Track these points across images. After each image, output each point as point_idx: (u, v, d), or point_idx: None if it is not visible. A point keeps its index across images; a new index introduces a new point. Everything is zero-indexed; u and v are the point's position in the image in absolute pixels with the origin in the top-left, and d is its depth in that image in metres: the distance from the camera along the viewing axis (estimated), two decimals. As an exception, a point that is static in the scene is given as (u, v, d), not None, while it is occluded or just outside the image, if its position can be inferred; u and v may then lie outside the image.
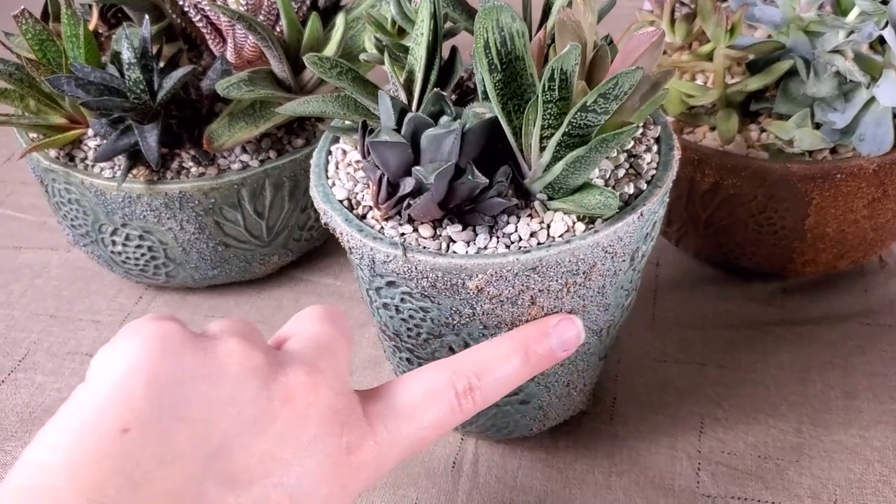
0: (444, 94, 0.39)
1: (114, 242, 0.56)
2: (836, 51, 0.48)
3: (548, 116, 0.37)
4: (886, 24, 0.47)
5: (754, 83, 0.51)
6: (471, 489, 0.48)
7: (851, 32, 0.48)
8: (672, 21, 0.54)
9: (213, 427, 0.30)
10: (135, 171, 0.53)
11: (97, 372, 0.31)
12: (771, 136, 0.51)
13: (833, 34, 0.48)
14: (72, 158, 0.55)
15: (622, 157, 0.42)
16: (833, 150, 0.51)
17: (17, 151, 0.73)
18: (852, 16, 0.48)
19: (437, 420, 0.35)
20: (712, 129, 0.53)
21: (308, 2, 0.55)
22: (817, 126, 0.50)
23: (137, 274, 0.59)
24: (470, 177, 0.37)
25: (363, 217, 0.41)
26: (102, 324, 0.60)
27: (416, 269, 0.38)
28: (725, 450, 0.49)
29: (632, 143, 0.43)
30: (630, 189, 0.40)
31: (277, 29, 0.54)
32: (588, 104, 0.35)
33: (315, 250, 0.63)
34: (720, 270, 0.60)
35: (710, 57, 0.52)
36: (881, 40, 0.49)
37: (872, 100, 0.49)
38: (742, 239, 0.54)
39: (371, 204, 0.41)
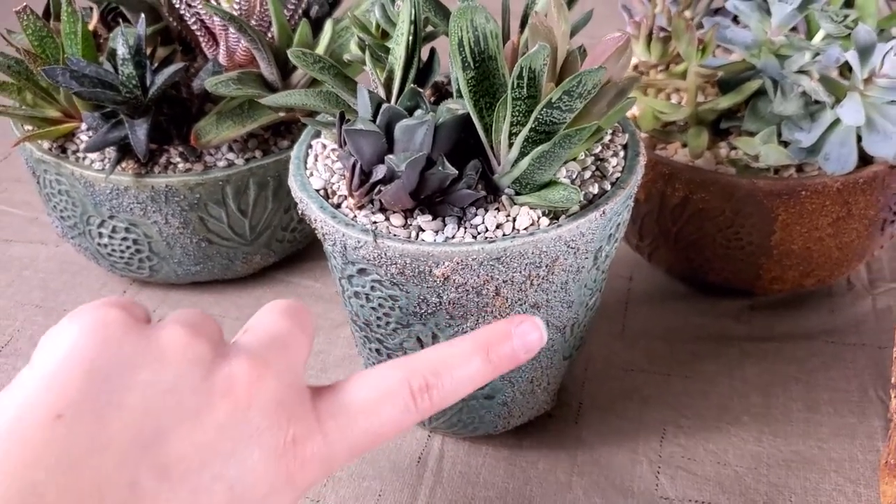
0: (421, 90, 0.40)
1: (100, 234, 0.58)
2: (802, 71, 0.50)
3: (516, 113, 0.38)
4: (852, 48, 0.49)
5: (725, 102, 0.53)
6: (434, 484, 0.49)
7: (817, 54, 0.50)
8: (648, 41, 0.56)
9: (149, 416, 0.30)
10: (123, 164, 0.55)
11: (39, 356, 0.31)
12: (739, 152, 0.53)
13: (800, 55, 0.50)
14: (64, 150, 0.57)
15: (589, 160, 0.43)
16: (799, 169, 0.53)
17: (13, 148, 0.75)
18: (818, 38, 0.50)
19: (391, 418, 0.34)
20: (684, 145, 0.55)
21: (300, 10, 0.58)
22: (785, 145, 0.52)
23: (122, 267, 0.60)
24: (440, 168, 0.39)
25: (338, 206, 0.42)
26: (85, 315, 0.61)
27: (385, 255, 0.40)
28: (686, 455, 0.50)
29: (599, 147, 0.44)
30: (595, 189, 0.42)
31: (269, 34, 0.56)
32: (553, 101, 0.37)
33: (298, 253, 0.65)
34: (691, 287, 0.61)
35: (683, 76, 0.55)
36: (848, 67, 0.51)
37: (837, 121, 0.50)
38: (710, 254, 0.56)
39: (346, 193, 0.42)
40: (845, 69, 0.53)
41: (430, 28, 0.45)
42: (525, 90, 0.38)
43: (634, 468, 0.49)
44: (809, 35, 0.54)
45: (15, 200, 0.72)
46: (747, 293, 0.60)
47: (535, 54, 0.37)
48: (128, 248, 0.58)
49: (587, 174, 0.43)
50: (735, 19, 0.59)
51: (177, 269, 0.60)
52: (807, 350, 0.56)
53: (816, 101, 0.51)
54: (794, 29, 0.54)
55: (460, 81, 0.39)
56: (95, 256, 0.60)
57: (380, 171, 0.39)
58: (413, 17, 0.41)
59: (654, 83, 0.55)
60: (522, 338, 0.37)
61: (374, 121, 0.39)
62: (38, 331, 0.59)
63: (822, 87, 0.50)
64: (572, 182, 0.42)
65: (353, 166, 0.39)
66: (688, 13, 0.56)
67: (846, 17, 0.48)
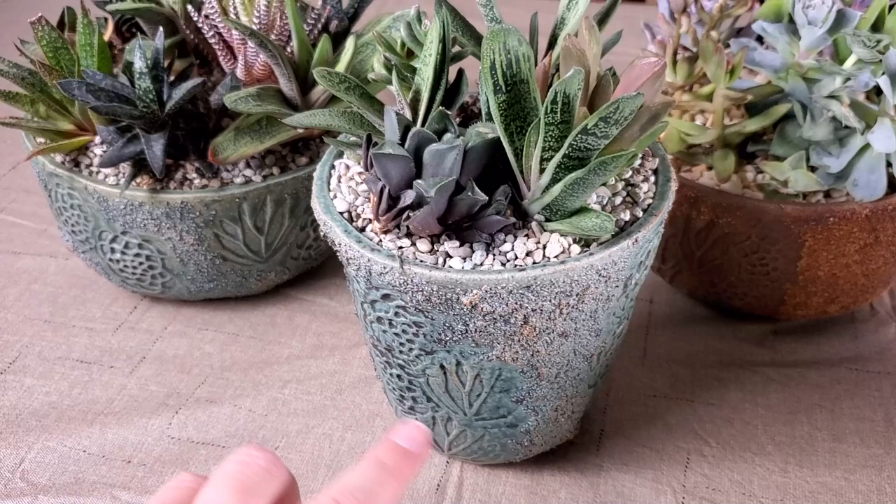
0: (449, 112, 0.39)
1: (112, 250, 0.57)
2: (832, 96, 0.49)
3: (549, 139, 0.37)
4: (883, 73, 0.49)
5: (752, 125, 0.52)
6: (454, 512, 0.48)
7: (848, 79, 0.49)
8: (674, 62, 0.55)
9: None
10: (138, 179, 0.54)
11: None
12: (766, 176, 0.52)
13: (830, 80, 0.49)
14: (77, 164, 0.56)
15: (620, 185, 0.42)
16: (827, 195, 0.52)
17: (24, 158, 0.74)
18: (849, 63, 0.49)
19: None
20: (709, 168, 0.54)
21: (320, 26, 0.57)
22: (812, 169, 0.51)
23: (134, 283, 0.59)
24: (470, 193, 0.38)
25: (362, 230, 0.41)
26: (95, 331, 0.60)
27: (411, 281, 0.39)
28: (710, 485, 0.48)
29: (630, 173, 0.44)
30: (626, 216, 0.41)
31: (288, 49, 0.55)
32: (588, 127, 0.36)
33: (311, 270, 0.64)
34: (712, 310, 0.60)
35: (709, 98, 0.54)
36: (878, 90, 0.50)
37: (867, 146, 0.50)
38: (735, 279, 0.55)
39: (371, 217, 0.41)
40: (872, 93, 0.52)
41: (456, 48, 0.45)
42: (559, 115, 0.37)
43: (658, 498, 0.48)
44: (837, 59, 0.53)
45: (24, 212, 0.71)
46: (769, 318, 0.59)
47: (570, 79, 0.36)
48: (140, 264, 0.57)
49: (618, 200, 0.42)
50: (759, 39, 0.58)
51: (189, 285, 0.58)
52: (830, 377, 0.55)
53: (846, 127, 0.50)
54: (820, 54, 0.53)
55: (491, 105, 0.38)
56: (107, 272, 0.59)
57: (408, 197, 0.38)
58: (442, 37, 0.40)
59: (680, 105, 0.54)
60: (407, 438, 0.37)
61: (402, 144, 0.38)
62: (47, 347, 0.58)
63: (852, 113, 0.49)
64: (602, 208, 0.41)
65: (381, 191, 0.38)
66: (713, 34, 0.55)
67: (878, 41, 0.47)
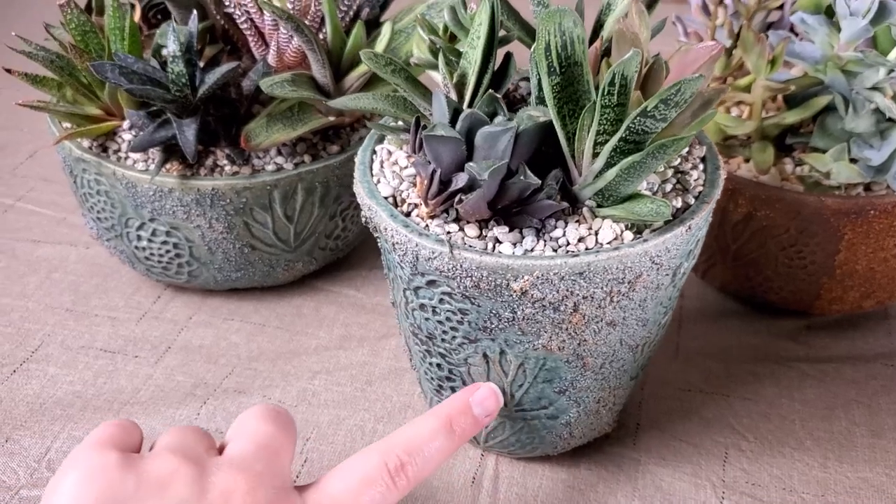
0: (498, 96, 0.39)
1: (139, 237, 0.56)
2: (875, 88, 0.49)
3: (604, 122, 0.37)
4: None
5: (792, 116, 0.51)
6: (491, 505, 0.47)
7: (892, 71, 0.48)
8: (711, 53, 0.55)
9: None
10: (168, 165, 0.53)
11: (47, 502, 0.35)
12: (805, 169, 0.52)
13: (873, 72, 0.49)
14: (105, 150, 0.55)
15: (669, 172, 0.42)
16: (867, 188, 0.51)
17: (42, 146, 0.73)
18: (894, 54, 0.48)
19: (373, 500, 0.37)
20: (747, 160, 0.53)
21: (352, 13, 0.56)
22: (853, 162, 0.50)
23: (159, 272, 0.58)
24: (522, 177, 0.37)
25: (407, 214, 0.40)
26: (119, 320, 0.59)
27: (461, 266, 0.38)
28: (750, 480, 0.48)
29: (678, 160, 0.43)
30: (678, 203, 0.40)
31: (321, 35, 0.54)
32: (648, 109, 0.35)
33: (338, 261, 0.63)
34: (744, 305, 0.60)
35: (747, 89, 0.53)
36: (918, 83, 0.50)
37: (909, 139, 0.49)
38: (771, 272, 0.54)
39: (416, 202, 0.41)
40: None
41: (502, 32, 0.44)
42: (615, 97, 0.36)
43: (697, 493, 0.47)
44: (877, 50, 0.53)
45: (43, 200, 0.70)
46: (802, 313, 0.58)
47: (629, 61, 0.35)
48: (167, 252, 0.56)
49: (668, 187, 0.41)
50: (792, 30, 0.58)
51: (216, 275, 0.58)
52: (866, 373, 0.55)
53: (888, 119, 0.50)
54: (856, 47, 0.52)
55: (545, 87, 0.37)
56: (131, 260, 0.58)
57: (460, 180, 0.37)
58: (491, 20, 0.40)
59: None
60: (481, 405, 0.42)
61: (452, 126, 0.38)
62: (70, 336, 0.57)
63: (895, 105, 0.48)
64: (653, 195, 0.40)
65: (432, 174, 0.38)
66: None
67: (925, 32, 0.47)
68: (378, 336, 0.57)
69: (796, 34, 0.57)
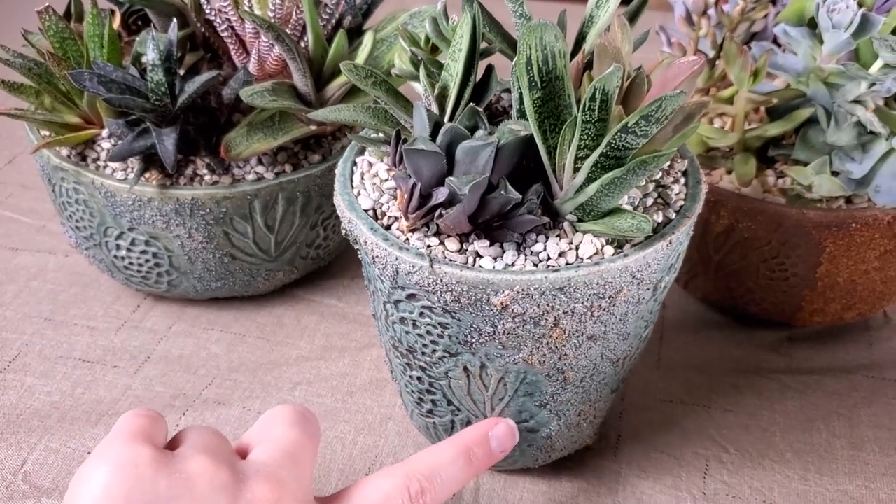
0: (479, 109, 0.39)
1: (118, 247, 0.55)
2: (857, 101, 0.49)
3: (585, 137, 0.37)
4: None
5: (774, 129, 0.51)
6: (472, 518, 0.47)
7: (874, 84, 0.48)
8: (694, 64, 0.55)
9: None
10: (147, 175, 0.52)
11: (74, 498, 0.34)
12: (787, 181, 0.52)
13: (855, 84, 0.49)
14: (83, 158, 0.54)
15: (650, 186, 0.42)
16: (848, 200, 0.51)
17: (20, 152, 0.73)
18: (875, 67, 0.48)
19: None
20: (729, 172, 0.53)
21: (333, 21, 0.56)
22: (834, 174, 0.50)
23: (139, 281, 0.58)
24: (503, 191, 0.37)
25: (388, 227, 0.40)
26: (98, 330, 0.58)
27: (441, 281, 0.38)
28: (731, 493, 0.48)
29: (660, 174, 0.43)
30: (659, 217, 0.40)
31: (302, 43, 0.54)
32: (629, 125, 0.35)
33: (319, 270, 0.63)
34: (726, 316, 0.60)
35: (730, 101, 0.53)
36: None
37: (890, 151, 0.49)
38: (753, 284, 0.54)
39: (397, 215, 0.40)
40: (890, 99, 0.52)
41: (484, 44, 0.44)
42: (596, 113, 0.36)
43: (678, 506, 0.47)
44: (858, 63, 0.53)
45: (21, 207, 0.69)
46: (784, 325, 0.58)
47: (610, 76, 0.35)
48: (146, 261, 0.55)
49: (649, 201, 0.41)
50: (776, 42, 0.58)
51: (196, 284, 0.57)
52: (847, 384, 0.55)
53: (870, 132, 0.50)
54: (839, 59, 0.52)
55: (526, 101, 0.37)
56: (110, 269, 0.58)
57: (441, 195, 0.37)
58: (472, 33, 0.40)
59: (700, 107, 0.54)
60: (499, 440, 0.42)
61: (433, 140, 0.37)
62: (48, 345, 0.57)
63: (877, 118, 0.48)
64: (634, 209, 0.40)
65: (412, 188, 0.37)
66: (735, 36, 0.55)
67: (906, 46, 0.47)
68: (359, 346, 0.57)
69: (779, 45, 0.57)
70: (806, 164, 0.51)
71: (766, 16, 0.57)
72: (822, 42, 0.51)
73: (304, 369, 0.56)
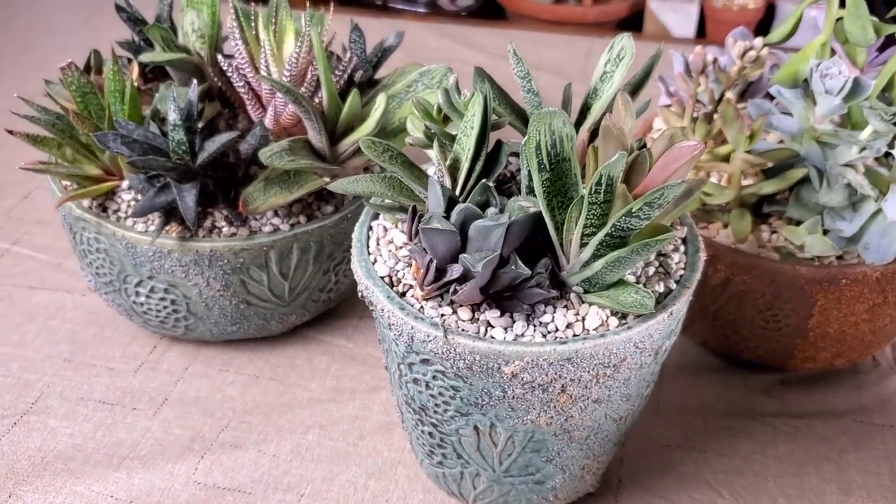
0: (490, 185, 0.41)
1: (137, 293, 0.57)
2: (848, 164, 0.51)
3: (591, 216, 0.39)
4: (894, 140, 0.51)
5: (769, 187, 0.54)
6: (479, 563, 0.49)
7: (864, 149, 0.51)
8: (693, 120, 0.57)
9: None
10: (168, 227, 0.54)
11: None
12: (781, 238, 0.54)
13: (846, 148, 0.51)
14: (104, 209, 0.56)
15: (652, 255, 0.44)
16: (839, 256, 0.54)
17: (36, 187, 0.74)
18: (866, 133, 0.51)
19: None
20: (725, 226, 0.56)
21: (346, 76, 0.58)
22: (825, 232, 0.53)
23: (156, 325, 0.60)
24: (513, 267, 0.39)
25: (403, 294, 0.42)
26: (116, 371, 0.60)
27: (454, 350, 0.40)
28: (726, 538, 0.50)
29: (660, 241, 0.45)
30: (660, 288, 0.42)
31: (316, 100, 0.56)
32: (633, 210, 0.37)
33: (329, 311, 0.65)
34: (722, 359, 0.62)
35: (726, 158, 0.55)
36: (886, 153, 0.52)
37: (879, 212, 0.52)
38: (748, 333, 0.57)
39: (412, 282, 0.43)
40: (881, 158, 0.54)
41: (494, 117, 0.46)
42: (602, 195, 0.38)
43: (676, 551, 0.50)
44: (849, 122, 0.55)
45: (37, 245, 0.71)
46: (777, 368, 0.60)
47: (615, 164, 0.37)
48: (165, 307, 0.58)
49: (651, 270, 0.43)
50: (769, 96, 0.60)
51: (212, 328, 0.59)
52: (836, 429, 0.57)
53: (860, 192, 0.52)
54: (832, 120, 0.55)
55: (535, 182, 0.39)
56: (128, 312, 0.60)
57: (455, 271, 0.39)
58: (484, 111, 0.42)
59: (698, 164, 0.56)
60: None
61: (447, 216, 0.40)
62: (68, 386, 0.59)
63: (867, 182, 0.51)
64: (637, 279, 0.43)
65: (429, 264, 0.40)
66: (731, 97, 0.57)
67: (894, 114, 0.49)
68: (369, 389, 0.59)
69: (773, 98, 0.59)
70: (799, 222, 0.53)
71: (761, 74, 0.59)
72: (815, 103, 0.53)
73: (316, 412, 0.58)
